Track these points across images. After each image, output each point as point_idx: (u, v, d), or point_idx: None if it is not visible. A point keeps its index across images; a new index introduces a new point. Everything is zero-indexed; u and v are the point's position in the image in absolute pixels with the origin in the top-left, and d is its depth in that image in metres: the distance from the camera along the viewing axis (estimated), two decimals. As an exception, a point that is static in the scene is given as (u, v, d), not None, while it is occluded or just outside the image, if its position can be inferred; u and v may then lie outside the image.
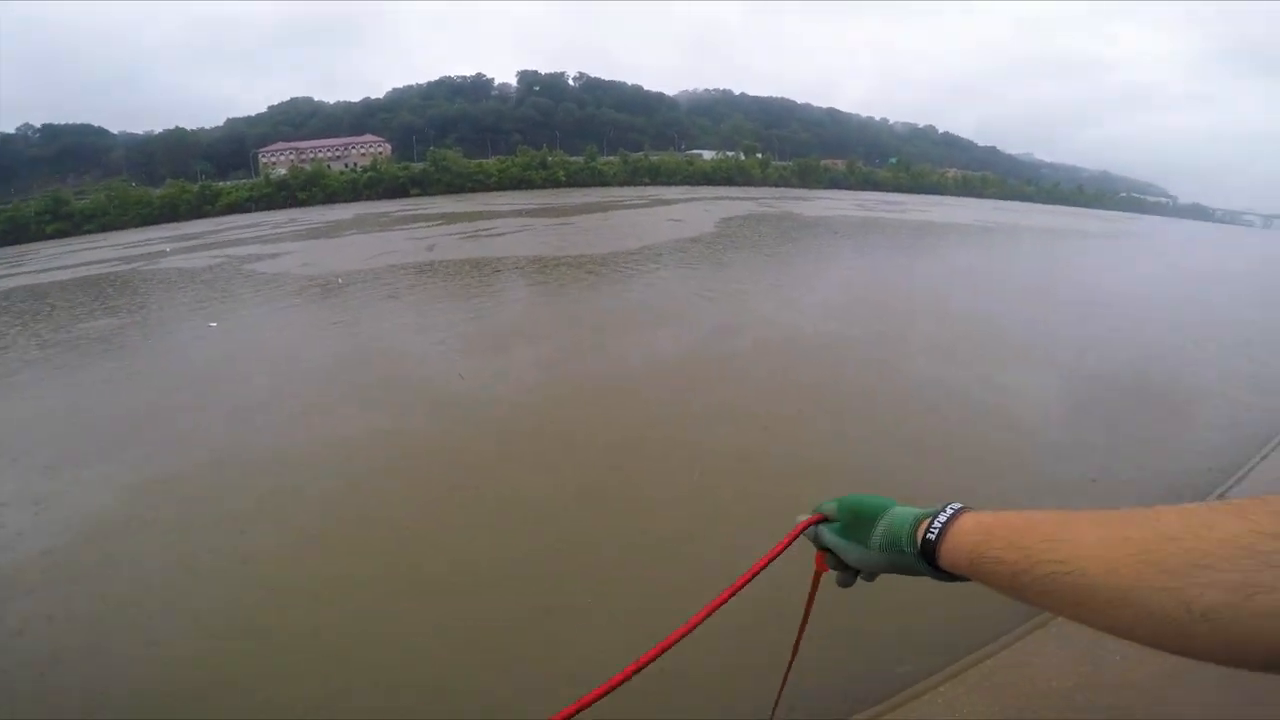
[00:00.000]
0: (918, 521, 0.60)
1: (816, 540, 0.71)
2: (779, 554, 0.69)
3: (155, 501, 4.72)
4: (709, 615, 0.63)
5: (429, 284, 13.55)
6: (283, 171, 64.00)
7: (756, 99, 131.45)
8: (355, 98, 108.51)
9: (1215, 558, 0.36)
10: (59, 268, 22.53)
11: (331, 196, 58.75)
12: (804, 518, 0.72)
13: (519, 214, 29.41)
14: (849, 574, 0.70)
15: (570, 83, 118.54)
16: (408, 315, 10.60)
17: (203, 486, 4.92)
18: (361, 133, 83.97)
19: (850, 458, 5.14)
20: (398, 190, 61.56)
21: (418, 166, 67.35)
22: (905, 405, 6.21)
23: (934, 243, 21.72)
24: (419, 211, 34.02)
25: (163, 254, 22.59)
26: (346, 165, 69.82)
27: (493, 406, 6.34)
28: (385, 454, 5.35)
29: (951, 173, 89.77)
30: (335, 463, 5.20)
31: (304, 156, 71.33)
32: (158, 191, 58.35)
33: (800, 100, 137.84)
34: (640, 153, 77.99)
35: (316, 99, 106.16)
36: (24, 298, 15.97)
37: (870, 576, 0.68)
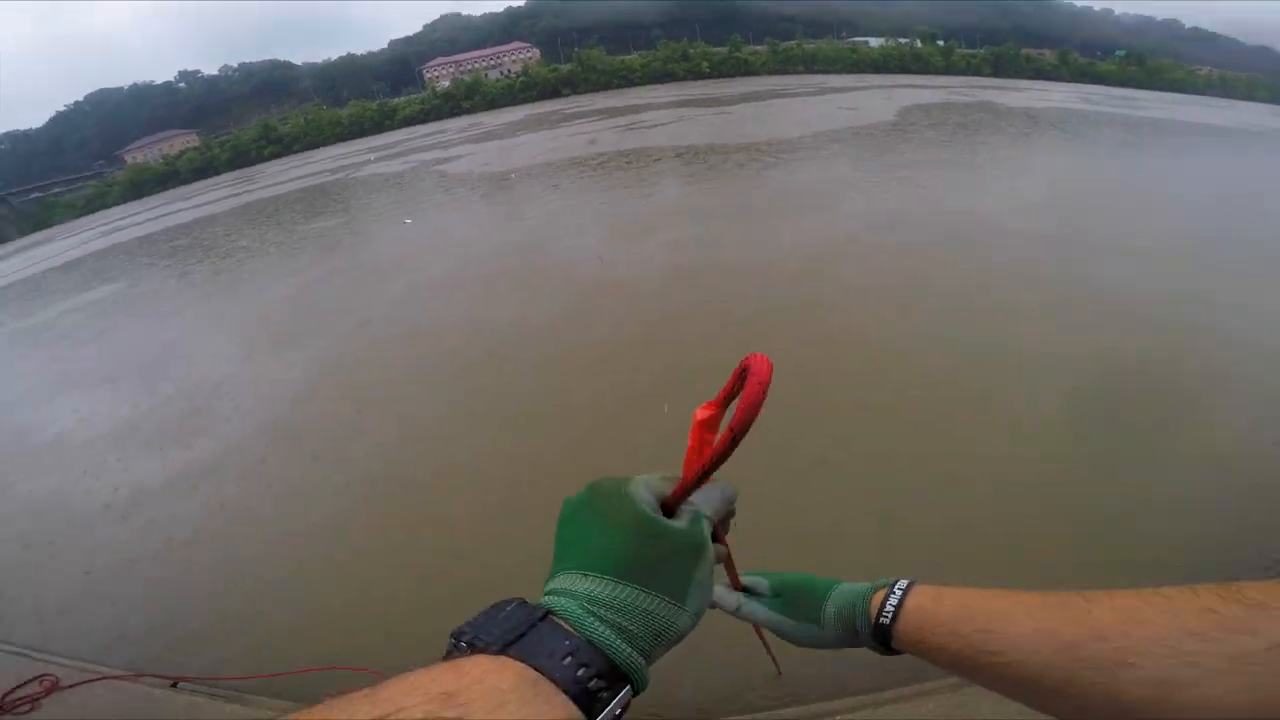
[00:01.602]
0: (867, 599, 0.57)
1: (750, 618, 0.64)
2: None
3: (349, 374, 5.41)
4: None
5: (589, 176, 13.51)
6: (446, 84, 67.89)
7: None
8: (499, 8, 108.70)
9: (1140, 656, 0.37)
10: (282, 182, 26.40)
11: (492, 102, 61.44)
12: (731, 598, 0.65)
13: (673, 105, 28.19)
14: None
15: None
16: (566, 204, 10.77)
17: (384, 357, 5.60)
18: (509, 41, 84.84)
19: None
20: (549, 91, 62.67)
21: (565, 68, 67.45)
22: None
23: (1181, 145, 16.54)
24: (581, 109, 34.02)
25: (366, 162, 25.34)
26: (501, 72, 71.75)
27: (640, 284, 6.29)
28: (545, 334, 5.51)
29: (1204, 71, 67.56)
30: (497, 337, 5.56)
31: (462, 68, 74.37)
32: (344, 112, 65.22)
33: None
34: (792, 41, 69.94)
35: (464, 14, 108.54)
36: (260, 208, 18.96)
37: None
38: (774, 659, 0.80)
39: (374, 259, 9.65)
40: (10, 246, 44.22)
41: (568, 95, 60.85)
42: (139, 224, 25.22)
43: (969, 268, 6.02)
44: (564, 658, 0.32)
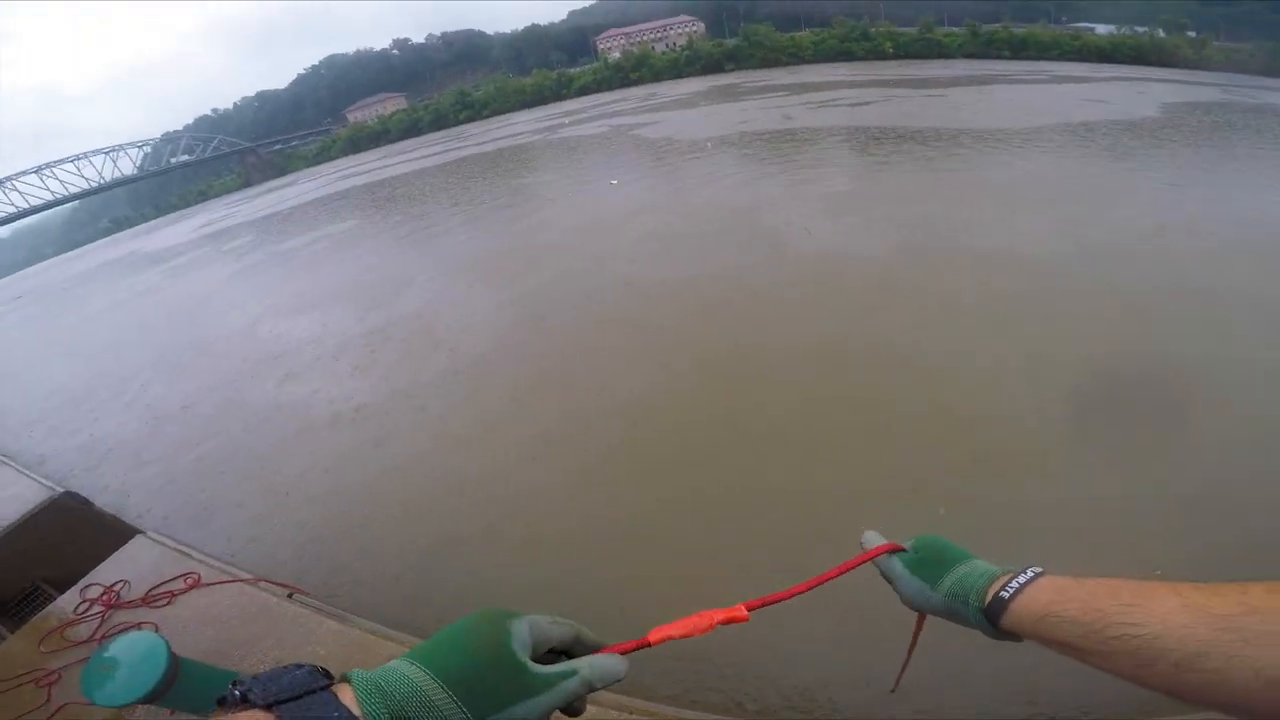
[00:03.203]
0: (993, 579, 0.60)
1: (884, 567, 0.70)
2: (848, 570, 0.65)
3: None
4: (763, 606, 0.57)
5: (787, 150, 13.28)
6: (617, 55, 70.05)
7: None
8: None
9: None
10: (488, 141, 29.23)
11: (658, 75, 62.44)
12: (881, 542, 0.71)
13: (870, 84, 26.33)
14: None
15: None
16: (768, 176, 10.69)
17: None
18: (676, 14, 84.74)
19: None
20: (713, 66, 61.96)
21: (731, 43, 66.07)
22: None
23: None
24: (766, 83, 33.37)
25: (562, 125, 27.23)
26: (667, 45, 72.39)
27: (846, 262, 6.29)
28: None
29: None
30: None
31: (632, 40, 76.11)
32: (527, 81, 69.94)
33: None
34: (998, 24, 61.40)
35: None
36: (477, 162, 21.15)
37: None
38: (901, 673, 0.79)
39: (583, 219, 10.42)
40: (261, 188, 54.34)
41: (731, 70, 59.64)
42: (368, 172, 29.49)
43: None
44: None
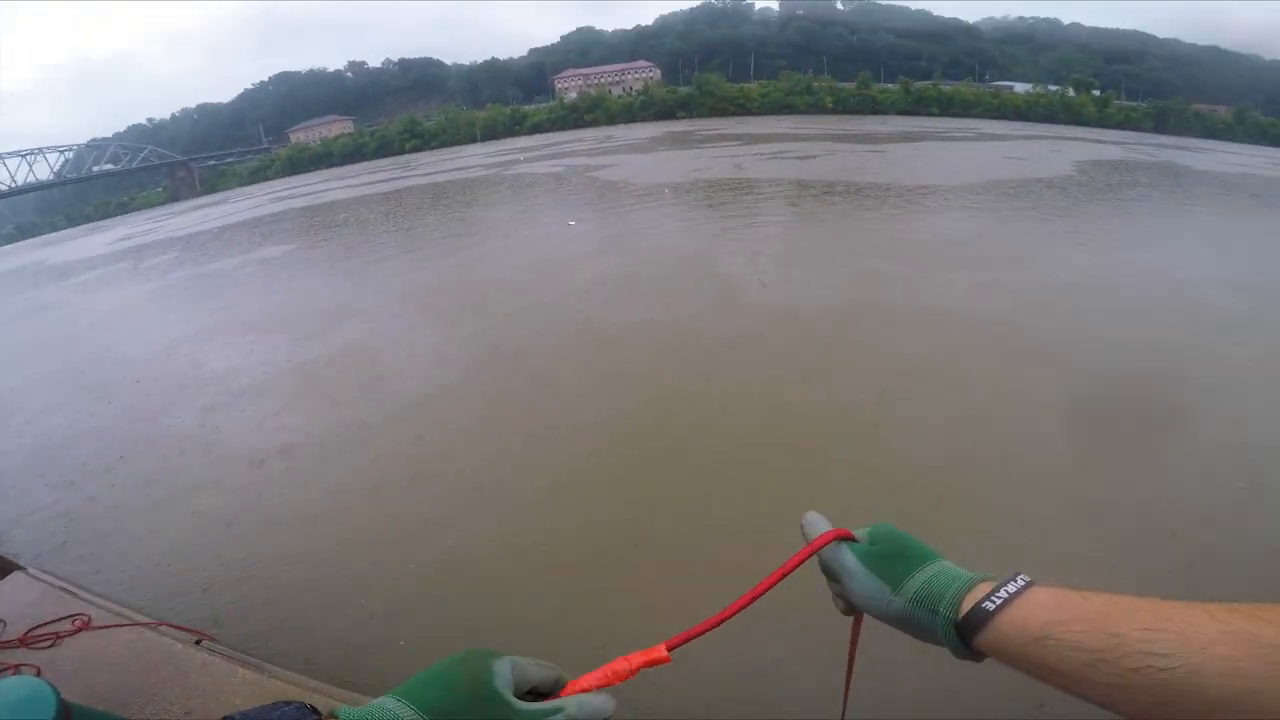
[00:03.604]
0: (969, 585, 0.50)
1: (830, 559, 0.57)
2: (792, 570, 0.54)
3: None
4: (708, 628, 0.52)
5: (742, 200, 13.75)
6: (573, 95, 71.59)
7: (1096, 30, 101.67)
8: (629, 25, 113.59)
9: None
10: (439, 171, 28.69)
11: (612, 118, 64.12)
12: (826, 527, 0.58)
13: (819, 138, 28.01)
14: (846, 605, 0.58)
15: (839, 5, 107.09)
16: (721, 225, 11.03)
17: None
18: (635, 59, 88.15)
19: None
20: (666, 112, 64.28)
21: (684, 90, 69.00)
22: None
23: None
24: (718, 132, 34.81)
25: (516, 161, 27.11)
26: (624, 89, 74.71)
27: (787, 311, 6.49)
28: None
29: None
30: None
31: (590, 82, 78.10)
32: (480, 114, 70.21)
33: (1163, 34, 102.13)
34: (928, 81, 67.50)
35: (597, 27, 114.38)
36: (427, 192, 20.66)
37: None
38: (846, 692, 0.67)
39: (536, 256, 10.28)
40: (187, 204, 51.17)
41: (683, 117, 62.11)
42: (306, 195, 28.28)
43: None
44: None
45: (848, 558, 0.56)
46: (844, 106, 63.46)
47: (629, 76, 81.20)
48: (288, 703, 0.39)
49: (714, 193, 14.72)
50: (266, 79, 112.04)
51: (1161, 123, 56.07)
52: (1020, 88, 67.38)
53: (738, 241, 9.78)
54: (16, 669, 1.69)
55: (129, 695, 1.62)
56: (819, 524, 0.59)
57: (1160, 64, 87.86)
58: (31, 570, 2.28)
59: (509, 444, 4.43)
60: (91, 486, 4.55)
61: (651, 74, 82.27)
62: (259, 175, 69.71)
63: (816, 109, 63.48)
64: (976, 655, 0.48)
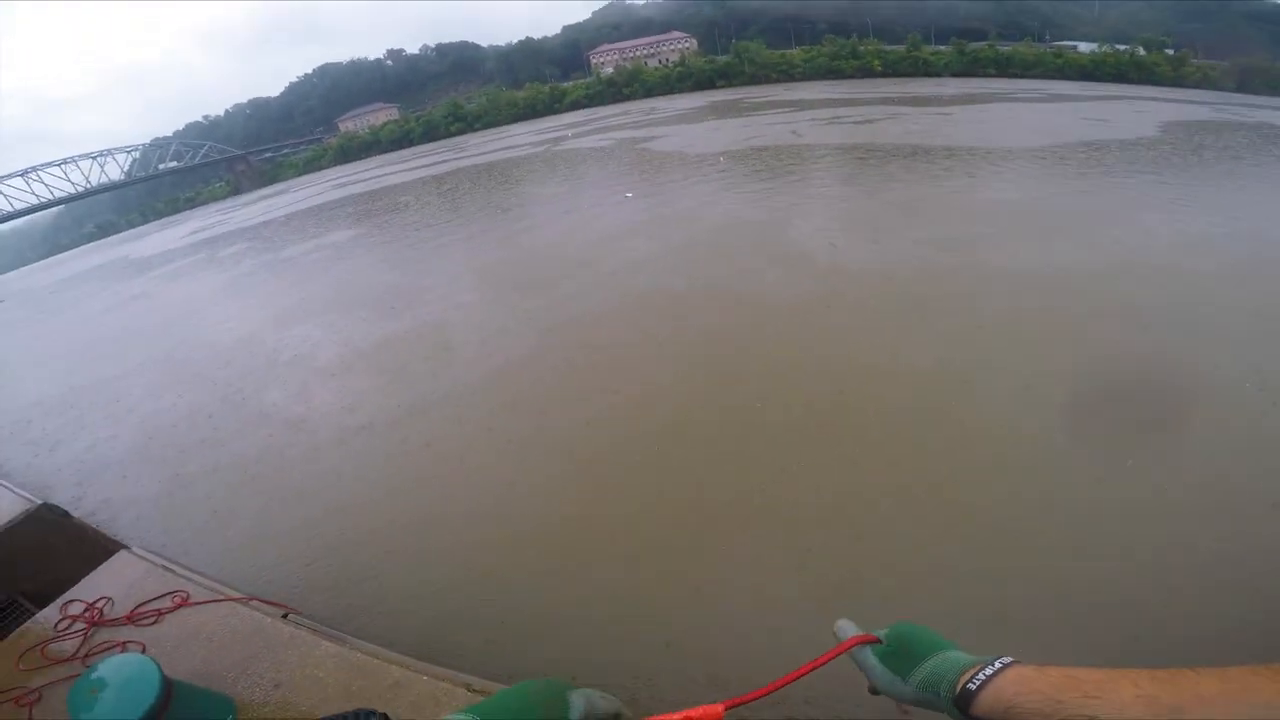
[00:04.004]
0: (963, 669, 0.61)
1: (857, 657, 0.72)
2: (824, 664, 0.68)
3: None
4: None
5: (804, 166, 13.25)
6: (610, 70, 70.67)
7: None
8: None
9: None
10: (489, 151, 29.01)
11: (650, 90, 62.95)
12: (855, 633, 0.73)
13: (874, 101, 26.70)
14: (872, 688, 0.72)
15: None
16: (784, 192, 10.68)
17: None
18: (669, 30, 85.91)
19: None
20: (704, 82, 62.71)
21: (722, 59, 66.97)
22: None
23: None
24: (769, 99, 33.62)
25: (565, 138, 27.13)
26: (660, 61, 73.18)
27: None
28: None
29: None
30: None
31: (625, 56, 76.92)
32: (520, 94, 70.18)
33: None
34: (983, 42, 63.17)
35: (629, 1, 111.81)
36: (477, 172, 20.91)
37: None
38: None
39: (599, 227, 10.33)
40: (251, 196, 53.58)
41: (722, 86, 60.39)
42: (363, 181, 29.14)
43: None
44: None
45: (869, 658, 0.71)
46: (893, 70, 60.20)
47: (664, 48, 79.34)
48: (369, 712, 0.44)
49: (773, 160, 14.31)
50: (310, 71, 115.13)
51: (1245, 82, 50.72)
52: (1085, 47, 62.14)
53: (805, 205, 9.54)
54: (124, 646, 1.77)
55: (224, 669, 1.68)
56: (847, 630, 0.74)
57: (1241, 19, 78.90)
58: (135, 549, 2.36)
59: (600, 408, 4.52)
60: (191, 466, 4.86)
61: (687, 44, 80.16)
62: (313, 165, 72.13)
63: (864, 73, 60.48)
64: None
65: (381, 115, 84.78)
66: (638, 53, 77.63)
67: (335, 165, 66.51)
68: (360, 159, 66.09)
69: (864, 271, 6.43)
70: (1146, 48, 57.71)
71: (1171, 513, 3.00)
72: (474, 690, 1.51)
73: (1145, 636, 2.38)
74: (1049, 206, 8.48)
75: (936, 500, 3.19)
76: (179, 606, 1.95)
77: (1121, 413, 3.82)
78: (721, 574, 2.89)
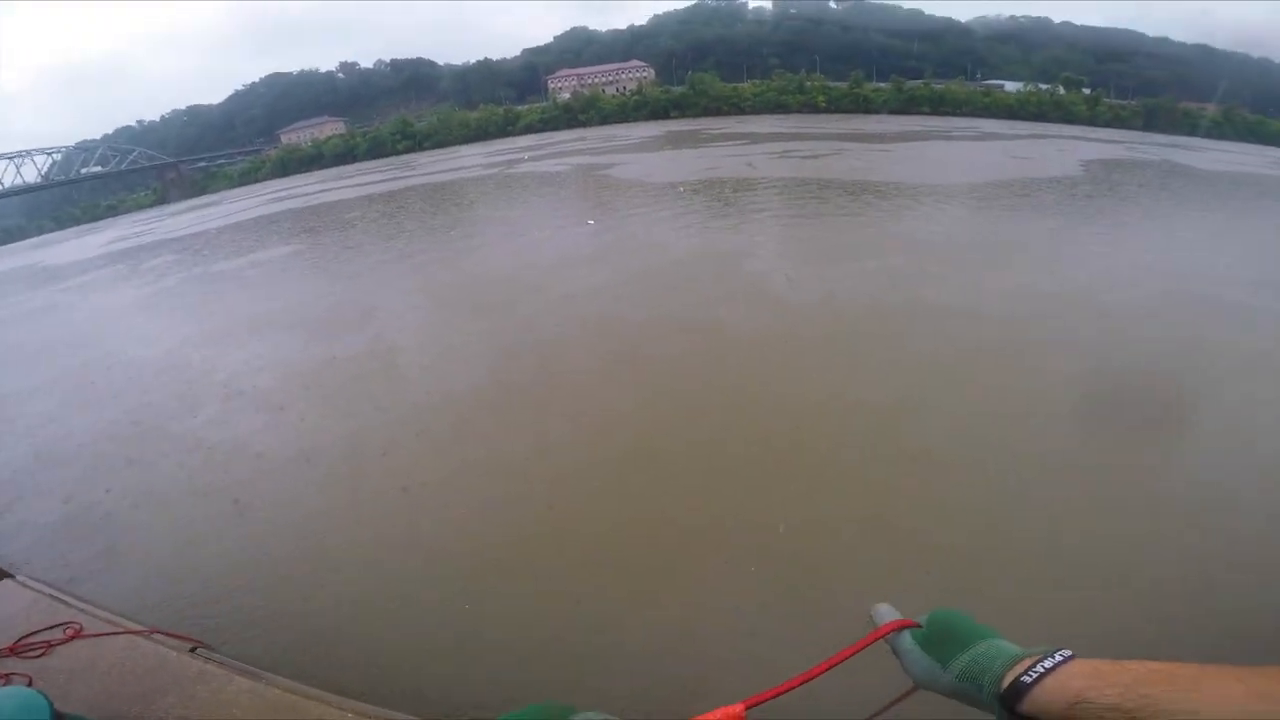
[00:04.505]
0: (1013, 661, 0.55)
1: (893, 643, 0.66)
2: (858, 651, 0.64)
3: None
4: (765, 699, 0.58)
5: (759, 198, 13.70)
6: (567, 95, 71.27)
7: (1087, 28, 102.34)
8: (623, 25, 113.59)
9: None
10: (440, 171, 28.39)
11: (605, 118, 63.77)
12: (893, 617, 0.68)
13: (823, 137, 28.05)
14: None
15: (832, 4, 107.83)
16: (741, 223, 11.03)
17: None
18: (629, 58, 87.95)
19: None
20: (659, 112, 64.21)
21: (678, 90, 68.96)
22: None
23: None
24: (724, 131, 34.76)
25: (520, 161, 26.90)
26: (617, 89, 74.54)
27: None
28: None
29: None
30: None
31: (584, 82, 77.78)
32: (473, 115, 69.69)
33: (1153, 34, 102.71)
34: (919, 81, 68.05)
35: (591, 28, 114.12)
36: (428, 191, 20.43)
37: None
38: (882, 708, 0.71)
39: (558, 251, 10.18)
40: (179, 206, 50.44)
41: (676, 117, 62.10)
42: (304, 196, 27.90)
43: None
44: None
45: (906, 642, 0.64)
46: (836, 105, 63.73)
47: (623, 76, 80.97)
48: None
49: (730, 191, 14.65)
50: (257, 80, 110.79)
51: (1151, 120, 56.59)
52: (1011, 86, 67.93)
53: (763, 238, 9.76)
54: (7, 678, 1.67)
55: (125, 704, 1.59)
56: (886, 614, 0.68)
57: (1150, 62, 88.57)
58: (21, 578, 2.25)
59: (556, 435, 4.40)
60: (91, 492, 4.41)
61: (645, 74, 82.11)
62: (250, 177, 68.78)
63: (809, 108, 63.66)
64: None
65: (327, 129, 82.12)
66: (596, 79, 78.81)
67: (273, 178, 63.62)
68: (301, 173, 63.49)
69: (817, 305, 6.63)
70: (1066, 87, 63.58)
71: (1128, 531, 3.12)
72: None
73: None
74: (983, 242, 9.08)
75: (892, 527, 3.27)
76: (72, 638, 1.84)
77: (1058, 431, 4.06)
78: (692, 597, 2.85)
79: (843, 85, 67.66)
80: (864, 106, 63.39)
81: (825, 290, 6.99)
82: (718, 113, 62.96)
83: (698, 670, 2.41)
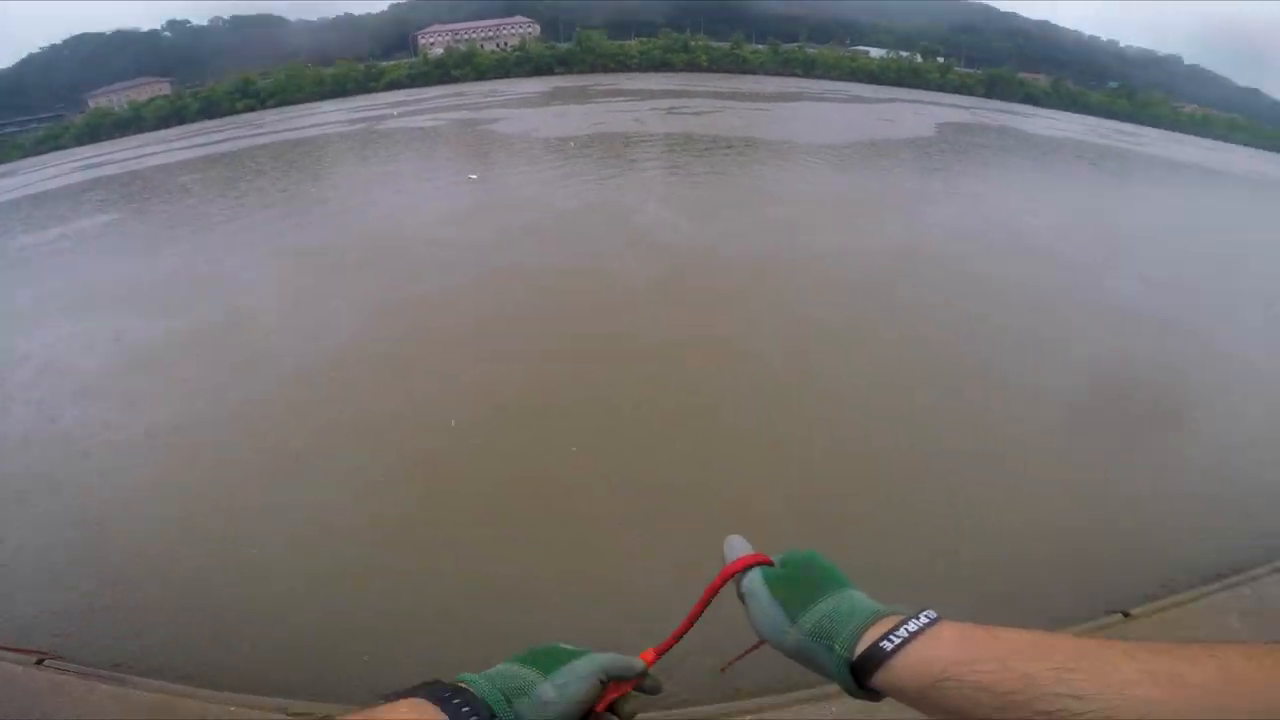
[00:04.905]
0: (870, 619, 0.46)
1: (742, 583, 0.55)
2: (717, 590, 0.55)
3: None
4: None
5: (649, 152, 13.71)
6: (440, 51, 65.74)
7: (951, 2, 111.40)
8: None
9: None
10: (294, 129, 25.02)
11: (483, 74, 59.87)
12: (745, 551, 0.56)
13: (708, 95, 28.54)
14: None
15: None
16: (632, 176, 11.02)
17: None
18: (513, 14, 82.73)
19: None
20: (544, 68, 61.78)
21: (564, 46, 66.52)
22: None
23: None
24: (613, 87, 33.86)
25: (389, 116, 24.35)
26: (499, 45, 70.06)
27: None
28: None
29: (1189, 108, 70.03)
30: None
31: (459, 38, 71.98)
32: (329, 70, 62.36)
33: (1004, 8, 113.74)
34: (795, 44, 71.24)
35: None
36: (281, 149, 18.02)
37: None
38: (735, 658, 0.64)
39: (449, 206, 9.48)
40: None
41: (560, 74, 60.17)
42: (122, 161, 23.56)
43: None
44: (462, 706, 0.41)
45: (755, 583, 0.53)
46: (718, 65, 65.26)
47: (504, 32, 76.18)
48: (439, 684, 0.43)
49: (621, 146, 14.35)
50: (60, 41, 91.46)
51: (992, 88, 63.36)
52: (875, 53, 72.96)
53: (650, 193, 9.74)
54: None
55: None
56: (739, 547, 0.56)
57: (997, 35, 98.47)
58: None
59: (436, 392, 4.16)
60: None
61: (529, 29, 77.90)
62: (49, 145, 57.01)
63: (693, 66, 64.41)
64: (873, 694, 0.44)
65: (148, 91, 69.72)
66: (474, 35, 73.36)
67: (82, 145, 53.18)
68: (116, 137, 53.63)
69: (704, 254, 6.85)
70: (923, 55, 69.69)
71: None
72: (293, 714, 1.32)
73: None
74: (851, 196, 9.89)
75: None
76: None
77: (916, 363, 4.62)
78: (590, 548, 2.82)
79: (725, 45, 69.20)
80: (743, 67, 65.54)
81: (709, 242, 7.21)
82: (604, 70, 61.73)
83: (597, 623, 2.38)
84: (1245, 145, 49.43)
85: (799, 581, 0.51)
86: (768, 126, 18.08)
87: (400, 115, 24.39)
